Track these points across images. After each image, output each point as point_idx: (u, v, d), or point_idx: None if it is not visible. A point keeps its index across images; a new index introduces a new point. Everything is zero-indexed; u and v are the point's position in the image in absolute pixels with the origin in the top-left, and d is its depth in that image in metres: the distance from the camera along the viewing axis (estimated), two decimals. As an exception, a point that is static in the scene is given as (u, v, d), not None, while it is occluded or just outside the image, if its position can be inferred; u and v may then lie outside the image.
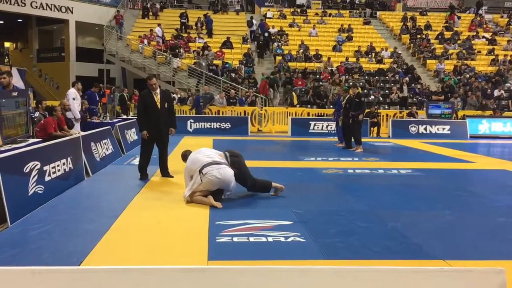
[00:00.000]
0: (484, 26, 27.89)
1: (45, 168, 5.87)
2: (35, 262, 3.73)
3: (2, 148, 6.32)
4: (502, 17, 29.40)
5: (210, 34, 25.26)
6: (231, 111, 18.05)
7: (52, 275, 2.63)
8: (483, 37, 26.50)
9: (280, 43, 24.02)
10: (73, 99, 10.53)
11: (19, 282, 2.59)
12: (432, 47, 24.91)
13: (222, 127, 16.64)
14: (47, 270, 2.69)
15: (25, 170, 5.36)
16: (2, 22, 30.16)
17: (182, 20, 25.47)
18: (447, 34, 26.30)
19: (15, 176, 5.13)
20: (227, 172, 5.79)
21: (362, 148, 11.73)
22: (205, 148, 6.29)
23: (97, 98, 13.25)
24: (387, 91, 20.95)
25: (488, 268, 2.79)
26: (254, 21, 25.99)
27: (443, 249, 4.29)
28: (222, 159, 5.97)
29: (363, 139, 12.17)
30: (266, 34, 24.35)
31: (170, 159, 7.92)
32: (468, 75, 22.12)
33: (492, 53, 24.63)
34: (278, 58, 22.70)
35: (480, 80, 21.81)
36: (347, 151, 11.75)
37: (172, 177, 7.52)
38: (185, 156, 6.35)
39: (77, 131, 9.53)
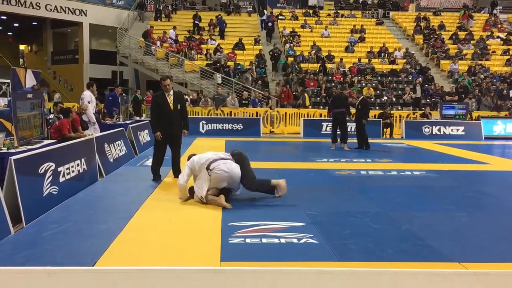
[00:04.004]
0: (499, 26, 27.56)
1: (59, 169, 5.92)
2: (49, 262, 3.77)
3: (18, 149, 6.39)
4: (517, 16, 29.06)
5: (222, 35, 25.33)
6: (243, 112, 18.07)
7: (67, 275, 2.65)
8: (498, 37, 26.19)
9: (292, 44, 24.01)
10: (88, 102, 10.51)
11: (34, 282, 2.61)
12: (446, 48, 24.69)
13: (234, 128, 16.66)
14: (62, 270, 2.72)
15: (40, 171, 5.41)
16: (17, 25, 30.56)
17: (196, 22, 25.57)
18: (461, 34, 26.05)
19: (30, 177, 5.18)
20: (234, 167, 5.85)
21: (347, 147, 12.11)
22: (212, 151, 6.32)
23: (119, 100, 13.36)
24: (400, 92, 20.80)
25: (505, 271, 2.75)
26: (266, 12, 26.84)
27: (458, 252, 4.24)
28: (228, 156, 6.03)
29: (375, 140, 12.11)
30: (270, 24, 25.54)
31: (183, 160, 7.92)
32: (482, 76, 21.88)
33: (507, 53, 24.33)
34: (290, 59, 22.68)
35: (495, 80, 21.55)
36: (359, 152, 11.70)
37: (185, 178, 7.54)
38: (190, 157, 6.37)
39: (90, 133, 9.60)
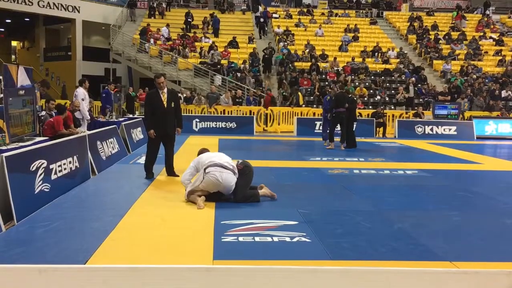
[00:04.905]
0: (492, 26, 27.74)
1: (51, 166, 5.88)
2: (41, 260, 3.74)
3: (9, 146, 6.35)
4: (509, 17, 29.20)
5: (216, 33, 25.28)
6: (237, 110, 18.06)
7: (58, 273, 2.64)
8: (490, 37, 26.36)
9: (286, 43, 24.02)
10: (82, 99, 10.45)
11: (26, 280, 2.59)
12: (439, 48, 24.81)
13: (228, 127, 16.64)
14: (54, 268, 2.70)
15: (32, 168, 5.37)
16: (9, 21, 30.30)
17: (188, 20, 25.49)
18: (454, 35, 26.19)
19: (21, 174, 5.14)
20: (228, 178, 5.78)
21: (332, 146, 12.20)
22: (223, 154, 6.24)
23: (112, 98, 13.29)
24: (393, 91, 20.89)
25: (496, 270, 2.77)
26: (260, 8, 26.88)
27: (450, 251, 4.26)
28: (230, 166, 5.90)
29: (368, 140, 12.16)
30: (262, 20, 25.87)
31: (176, 158, 7.93)
32: (475, 76, 22.02)
33: (500, 54, 24.50)
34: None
35: (487, 80, 21.70)
36: (352, 151, 11.72)
37: (178, 176, 7.51)
38: (201, 151, 6.34)
39: (83, 130, 9.55)
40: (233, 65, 21.75)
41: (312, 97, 19.88)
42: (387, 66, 22.95)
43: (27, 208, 5.08)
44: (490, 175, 9.04)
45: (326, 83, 20.53)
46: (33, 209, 5.20)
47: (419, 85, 21.00)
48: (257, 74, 21.45)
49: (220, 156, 6.06)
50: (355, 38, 25.70)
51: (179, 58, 21.87)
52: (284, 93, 19.54)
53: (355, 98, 13.11)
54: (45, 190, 5.62)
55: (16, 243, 4.24)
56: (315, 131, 16.41)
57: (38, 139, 7.46)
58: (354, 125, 12.87)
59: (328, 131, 12.48)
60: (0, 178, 4.81)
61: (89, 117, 10.50)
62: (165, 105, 7.38)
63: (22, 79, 10.71)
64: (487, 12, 29.59)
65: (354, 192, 6.80)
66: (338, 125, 12.35)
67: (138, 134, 12.02)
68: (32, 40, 31.56)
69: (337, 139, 12.59)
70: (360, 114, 17.80)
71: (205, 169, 5.79)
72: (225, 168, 5.80)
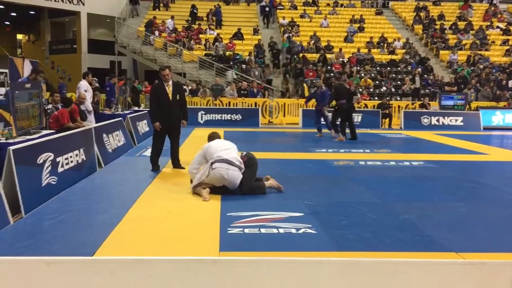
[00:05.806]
0: (499, 16, 27.46)
1: (58, 159, 5.92)
2: (48, 252, 3.78)
3: (16, 140, 6.38)
4: (517, 6, 28.93)
5: (219, 25, 25.18)
6: (242, 102, 18.04)
7: (66, 265, 2.66)
8: (498, 27, 26.10)
9: (291, 34, 23.91)
10: (85, 91, 10.55)
11: (33, 272, 2.62)
12: (445, 38, 24.61)
13: (233, 119, 16.65)
14: (61, 260, 2.72)
15: (39, 161, 5.41)
16: (14, 14, 30.35)
17: (194, 11, 25.39)
18: (461, 24, 25.95)
19: (29, 167, 5.18)
20: (234, 175, 5.79)
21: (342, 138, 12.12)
22: (233, 144, 6.24)
23: (115, 90, 13.32)
24: (399, 82, 20.77)
25: (502, 261, 2.76)
26: None
27: (456, 242, 4.26)
28: (237, 162, 5.89)
29: (374, 131, 12.13)
30: (267, 9, 25.96)
31: (182, 150, 7.95)
32: (482, 66, 21.83)
33: (507, 44, 24.26)
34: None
35: (494, 70, 21.52)
36: (357, 142, 11.69)
37: (184, 168, 7.54)
38: (211, 137, 6.35)
39: (89, 123, 9.58)
40: (238, 57, 21.69)
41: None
42: (393, 56, 22.80)
43: (34, 200, 5.12)
44: (497, 165, 8.99)
45: (332, 74, 20.45)
46: (40, 202, 5.24)
47: (425, 75, 20.87)
48: (262, 66, 21.40)
49: (228, 151, 6.03)
50: (361, 29, 25.52)
51: (184, 50, 21.84)
52: (282, 89, 19.52)
53: (352, 90, 13.01)
54: (52, 182, 5.66)
55: (24, 235, 4.28)
56: (321, 122, 16.34)
57: (44, 132, 7.49)
58: (358, 117, 12.85)
59: (325, 123, 12.48)
60: (8, 171, 4.84)
61: (91, 109, 10.56)
62: (170, 98, 7.39)
63: (27, 72, 10.73)
64: (494, 1, 29.27)
65: (359, 183, 6.79)
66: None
67: (143, 126, 12.05)
68: (38, 33, 31.62)
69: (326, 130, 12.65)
70: (366, 105, 17.75)
71: (211, 164, 5.79)
72: (232, 165, 5.80)
